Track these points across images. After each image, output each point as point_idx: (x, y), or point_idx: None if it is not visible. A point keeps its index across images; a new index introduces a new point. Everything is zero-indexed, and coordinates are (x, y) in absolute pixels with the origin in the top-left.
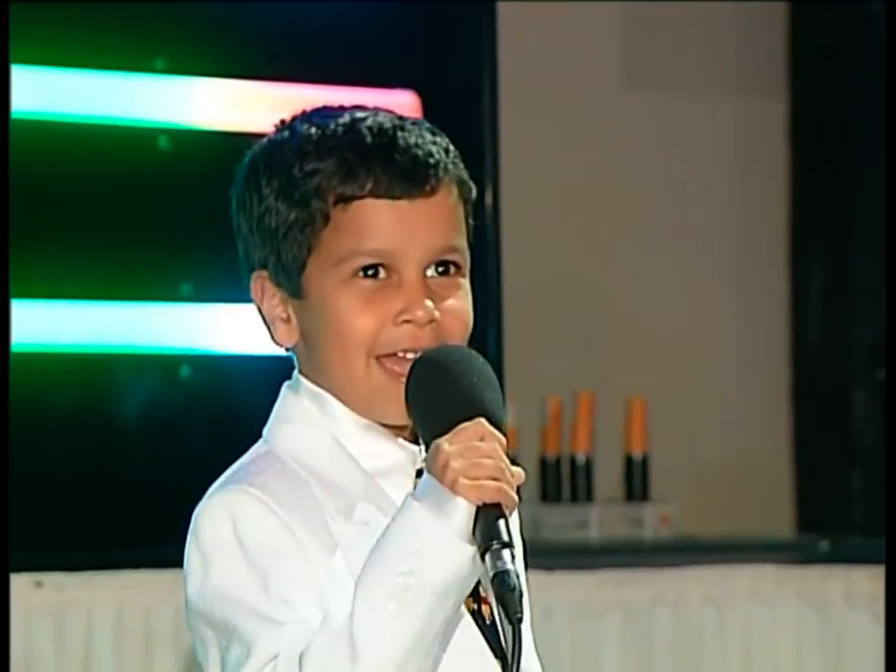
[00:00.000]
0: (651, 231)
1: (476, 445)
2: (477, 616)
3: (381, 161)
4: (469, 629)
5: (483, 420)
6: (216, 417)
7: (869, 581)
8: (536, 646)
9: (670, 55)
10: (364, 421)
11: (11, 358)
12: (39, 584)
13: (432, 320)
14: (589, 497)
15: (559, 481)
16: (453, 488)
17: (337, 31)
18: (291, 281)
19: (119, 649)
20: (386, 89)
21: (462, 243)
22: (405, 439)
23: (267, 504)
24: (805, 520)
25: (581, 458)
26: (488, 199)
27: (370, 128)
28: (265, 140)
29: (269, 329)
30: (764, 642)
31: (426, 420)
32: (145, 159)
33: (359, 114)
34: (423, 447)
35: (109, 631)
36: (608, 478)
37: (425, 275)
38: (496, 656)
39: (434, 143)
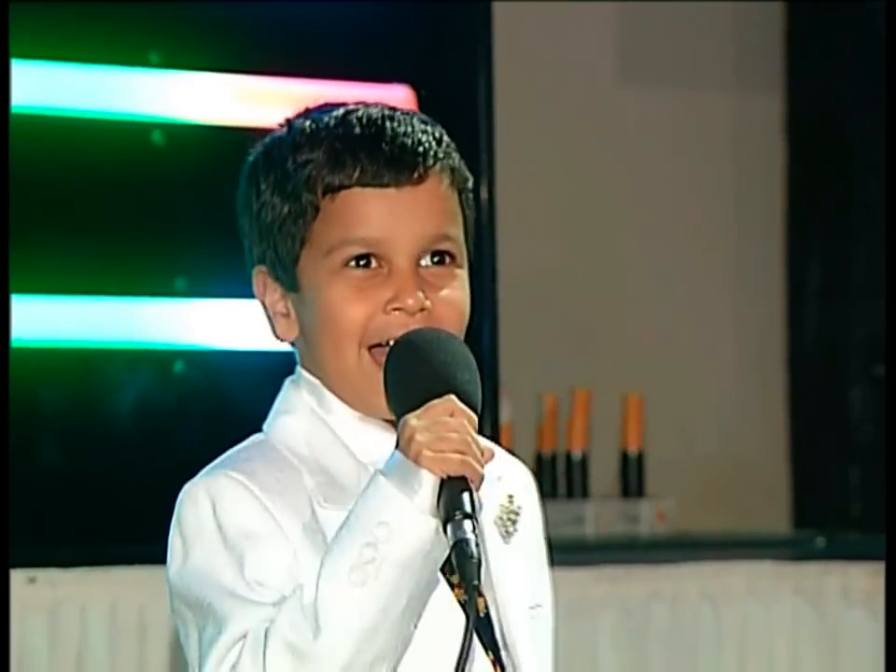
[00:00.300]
0: (647, 227)
1: (443, 420)
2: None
3: (367, 150)
4: (459, 620)
5: (452, 397)
6: (210, 413)
7: (866, 577)
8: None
9: (666, 50)
10: (360, 413)
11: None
12: (33, 580)
13: (422, 308)
14: (585, 493)
15: (555, 477)
16: (417, 461)
17: (332, 25)
18: (287, 274)
19: (113, 645)
20: (381, 83)
21: (456, 232)
22: None
23: (248, 488)
24: (802, 516)
25: (577, 455)
26: (483, 195)
27: (359, 118)
28: (267, 138)
29: (271, 324)
30: (761, 639)
31: (398, 398)
32: (138, 153)
33: (353, 107)
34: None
35: (103, 628)
36: (604, 474)
37: (418, 265)
38: (487, 649)
39: (424, 132)
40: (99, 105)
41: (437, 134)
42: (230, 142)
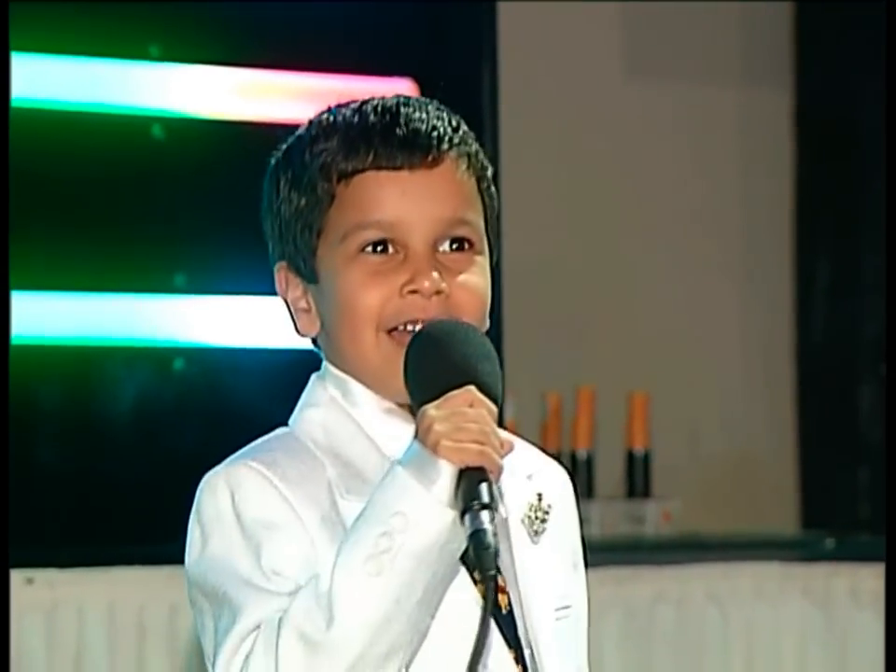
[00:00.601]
0: (653, 223)
1: (462, 411)
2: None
3: (381, 135)
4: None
5: (472, 387)
6: (210, 412)
7: (875, 578)
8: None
9: (673, 43)
10: (385, 405)
11: None
12: (30, 581)
13: (439, 291)
14: (590, 493)
15: None
16: (435, 450)
17: (335, 18)
18: (307, 265)
19: (112, 647)
20: (385, 77)
21: (474, 218)
22: None
23: (267, 478)
24: (810, 517)
25: (581, 454)
26: None
27: (374, 107)
28: (289, 138)
29: (293, 320)
30: (768, 641)
31: (418, 389)
32: (138, 147)
33: (370, 98)
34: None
35: (101, 629)
36: (609, 474)
37: (436, 250)
38: (509, 646)
39: (439, 118)
40: (98, 98)
41: (453, 121)
42: (231, 136)
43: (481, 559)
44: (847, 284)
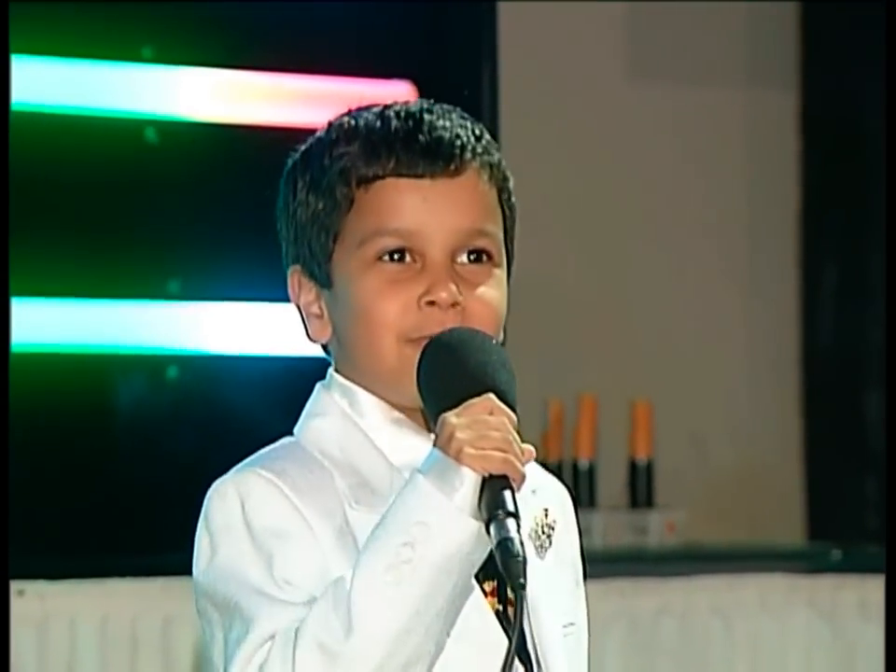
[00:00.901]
0: (657, 228)
1: (484, 418)
2: (502, 617)
3: (403, 141)
4: (493, 630)
5: (491, 395)
6: (205, 420)
7: (882, 590)
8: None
9: (677, 45)
10: (394, 415)
11: None
12: (21, 593)
13: (456, 303)
14: (592, 503)
15: None
16: (458, 458)
17: (331, 19)
18: (321, 270)
19: (104, 660)
20: (383, 79)
21: (493, 230)
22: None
23: (278, 486)
24: (817, 527)
25: (583, 464)
26: None
27: (397, 112)
28: (307, 140)
29: (304, 325)
30: (774, 654)
31: (434, 397)
32: (131, 151)
33: (392, 103)
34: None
35: (94, 641)
36: (611, 484)
37: (454, 261)
38: (520, 660)
39: (462, 126)
40: (90, 101)
41: (476, 131)
42: (225, 140)
43: (509, 568)
44: (855, 288)
